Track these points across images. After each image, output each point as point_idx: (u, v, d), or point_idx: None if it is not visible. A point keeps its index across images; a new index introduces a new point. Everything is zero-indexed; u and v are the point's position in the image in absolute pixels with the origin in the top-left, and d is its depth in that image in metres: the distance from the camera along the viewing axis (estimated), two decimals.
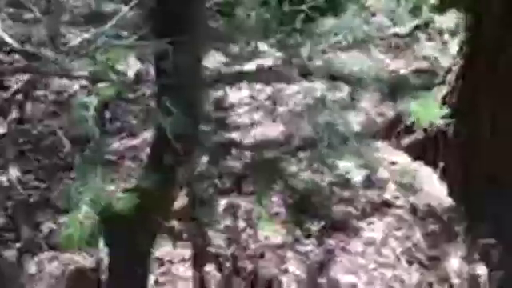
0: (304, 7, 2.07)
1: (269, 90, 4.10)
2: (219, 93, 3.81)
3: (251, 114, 3.79)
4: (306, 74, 3.64)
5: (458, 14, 3.44)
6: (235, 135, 3.45)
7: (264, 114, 3.80)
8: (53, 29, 1.42)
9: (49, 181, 2.87)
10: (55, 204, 2.69)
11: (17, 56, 3.81)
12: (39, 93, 3.45)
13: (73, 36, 1.48)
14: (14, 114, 3.33)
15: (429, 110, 1.48)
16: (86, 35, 1.39)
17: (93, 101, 1.45)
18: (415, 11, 4.16)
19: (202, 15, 1.57)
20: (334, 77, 3.40)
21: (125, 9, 1.48)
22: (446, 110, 1.64)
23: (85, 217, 1.24)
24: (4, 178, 2.85)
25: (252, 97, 4.02)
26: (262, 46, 4.24)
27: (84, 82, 3.59)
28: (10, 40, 3.76)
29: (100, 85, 1.56)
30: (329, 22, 2.36)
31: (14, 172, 2.87)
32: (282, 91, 4.01)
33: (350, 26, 2.73)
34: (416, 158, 2.91)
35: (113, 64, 1.37)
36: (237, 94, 4.03)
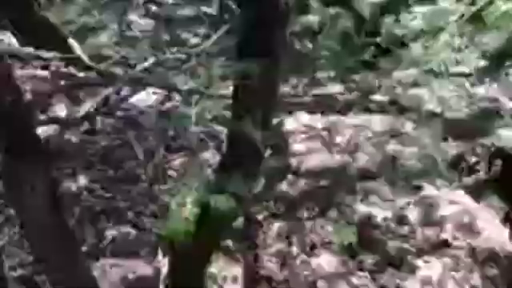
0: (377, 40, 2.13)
1: (326, 119, 4.15)
2: (278, 118, 3.90)
3: (308, 142, 3.84)
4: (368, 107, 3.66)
5: None
6: (291, 161, 3.50)
7: (320, 143, 3.84)
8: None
9: (113, 191, 3.03)
10: (119, 213, 2.83)
11: (92, 74, 4.10)
12: (110, 108, 3.67)
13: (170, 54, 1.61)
14: (86, 126, 3.56)
15: None
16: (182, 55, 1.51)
17: (193, 112, 1.56)
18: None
19: (283, 41, 1.67)
20: (397, 111, 3.40)
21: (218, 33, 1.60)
22: None
23: (189, 214, 1.33)
24: (73, 185, 3.03)
25: (309, 125, 4.07)
26: (322, 76, 4.32)
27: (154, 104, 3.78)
28: (87, 59, 4.04)
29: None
30: (397, 57, 2.40)
31: (82, 180, 3.05)
32: (339, 122, 4.04)
33: (416, 62, 2.75)
34: (478, 199, 2.84)
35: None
36: (294, 122, 4.09)
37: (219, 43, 1.53)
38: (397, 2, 2.07)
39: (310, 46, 2.15)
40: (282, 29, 1.55)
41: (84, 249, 2.56)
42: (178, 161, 3.29)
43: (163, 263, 2.35)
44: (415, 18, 2.16)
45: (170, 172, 3.20)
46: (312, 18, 1.96)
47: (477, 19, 2.90)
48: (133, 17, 4.59)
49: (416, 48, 2.60)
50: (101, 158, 3.30)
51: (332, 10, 1.97)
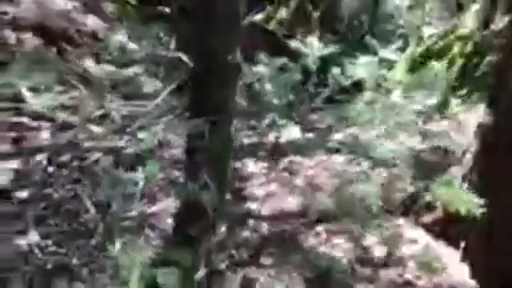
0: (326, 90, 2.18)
1: (286, 161, 4.16)
2: (238, 163, 3.87)
3: (268, 185, 3.82)
4: (325, 148, 3.70)
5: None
6: (252, 206, 3.46)
7: (280, 185, 3.83)
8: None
9: (68, 246, 2.86)
10: (73, 270, 2.67)
11: (44, 122, 3.97)
12: (63, 158, 3.53)
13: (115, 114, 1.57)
14: (37, 178, 3.40)
15: (453, 196, 1.48)
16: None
17: (141, 177, 1.50)
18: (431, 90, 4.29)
19: (234, 95, 1.66)
20: (353, 152, 3.45)
21: (165, 91, 1.58)
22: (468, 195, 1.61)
23: None
24: (24, 242, 2.85)
25: (269, 168, 4.07)
26: (281, 121, 4.38)
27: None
28: (36, 108, 3.91)
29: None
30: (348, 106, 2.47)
31: (33, 236, 2.88)
32: (298, 163, 4.06)
33: (367, 110, 2.84)
34: (437, 236, 2.88)
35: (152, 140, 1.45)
36: (254, 165, 4.08)
37: (169, 100, 1.51)
38: (341, 55, 2.17)
39: (264, 94, 2.19)
40: (232, 83, 1.54)
41: None
42: (135, 211, 3.18)
43: None
44: (358, 68, 2.27)
45: (127, 223, 3.08)
46: (261, 69, 2.00)
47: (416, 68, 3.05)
48: (87, 64, 4.53)
49: (365, 93, 2.71)
50: (54, 212, 3.14)
51: (279, 62, 2.02)
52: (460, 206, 1.41)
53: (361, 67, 2.18)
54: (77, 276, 2.63)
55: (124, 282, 1.29)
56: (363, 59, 2.23)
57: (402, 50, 4.99)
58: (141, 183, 1.52)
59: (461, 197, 1.44)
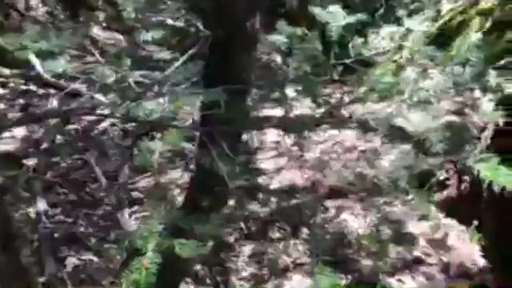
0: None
1: (295, 135, 4.10)
2: (244, 136, 3.83)
3: (277, 159, 3.78)
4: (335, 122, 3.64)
5: None
6: (261, 180, 3.43)
7: (289, 159, 3.79)
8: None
9: (75, 216, 2.86)
10: (80, 239, 2.67)
11: (52, 90, 3.92)
12: (70, 127, 3.51)
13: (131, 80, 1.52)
14: (45, 146, 3.38)
15: (497, 173, 1.39)
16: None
17: (158, 146, 1.46)
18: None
19: (251, 64, 1.60)
20: (364, 126, 3.39)
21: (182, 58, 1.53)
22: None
23: (150, 262, 1.22)
24: (31, 210, 2.85)
25: (277, 142, 4.02)
26: (290, 92, 4.29)
27: (115, 120, 3.64)
28: (45, 74, 3.86)
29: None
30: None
31: (41, 205, 2.87)
32: (308, 138, 4.00)
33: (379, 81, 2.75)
34: (448, 214, 2.85)
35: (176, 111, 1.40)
36: (261, 138, 4.03)
37: (185, 68, 1.47)
38: (364, 24, 2.06)
39: (278, 63, 2.12)
40: (250, 52, 1.48)
41: (43, 279, 2.40)
42: (143, 181, 3.16)
43: None
44: (383, 38, 2.16)
45: (135, 194, 3.07)
46: (279, 38, 1.92)
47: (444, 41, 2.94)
48: (94, 31, 4.45)
49: (381, 65, 2.61)
50: (61, 181, 3.13)
51: (300, 31, 1.94)
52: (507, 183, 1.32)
53: (386, 38, 2.09)
54: (85, 245, 2.63)
55: (138, 251, 1.26)
56: (388, 30, 2.13)
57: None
58: (157, 152, 1.47)
59: (505, 173, 1.34)
